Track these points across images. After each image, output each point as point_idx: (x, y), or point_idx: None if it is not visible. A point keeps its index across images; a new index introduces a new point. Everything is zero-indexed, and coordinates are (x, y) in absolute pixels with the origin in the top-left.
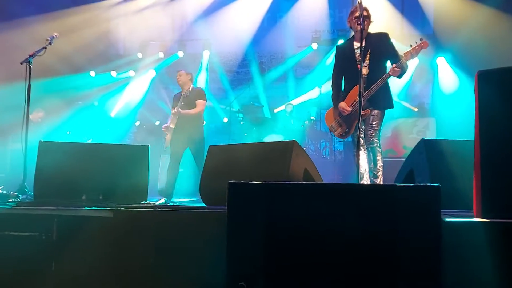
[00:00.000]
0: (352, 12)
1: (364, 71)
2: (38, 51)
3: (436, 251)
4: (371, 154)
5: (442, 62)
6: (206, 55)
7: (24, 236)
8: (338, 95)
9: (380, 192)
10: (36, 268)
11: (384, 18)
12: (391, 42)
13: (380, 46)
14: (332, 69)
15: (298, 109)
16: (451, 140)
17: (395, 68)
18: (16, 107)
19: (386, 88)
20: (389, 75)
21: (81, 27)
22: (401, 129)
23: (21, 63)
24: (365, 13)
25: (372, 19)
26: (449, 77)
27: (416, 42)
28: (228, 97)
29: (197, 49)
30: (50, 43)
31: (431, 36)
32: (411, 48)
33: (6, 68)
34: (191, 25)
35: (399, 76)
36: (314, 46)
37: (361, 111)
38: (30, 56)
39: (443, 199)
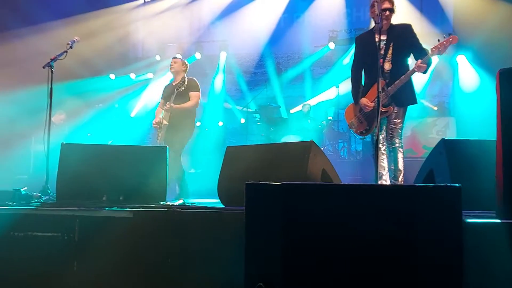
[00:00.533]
0: (373, 5)
1: (387, 66)
2: (60, 55)
3: (457, 253)
4: (392, 154)
5: (462, 60)
6: (223, 56)
7: (47, 236)
8: (358, 90)
9: (400, 192)
10: (59, 268)
11: (402, 16)
12: (415, 35)
13: (404, 39)
14: (352, 62)
15: (316, 109)
16: (472, 140)
17: (421, 64)
18: (38, 110)
19: (409, 83)
20: (414, 71)
21: (101, 31)
22: (421, 129)
23: (43, 67)
24: (389, 5)
25: (395, 9)
26: (469, 76)
27: (444, 37)
28: (245, 98)
29: (214, 51)
30: (71, 47)
31: (447, 34)
32: (438, 43)
33: (29, 72)
34: (208, 26)
35: (424, 72)
36: (331, 45)
37: (384, 109)
38: (52, 60)
39: (464, 200)
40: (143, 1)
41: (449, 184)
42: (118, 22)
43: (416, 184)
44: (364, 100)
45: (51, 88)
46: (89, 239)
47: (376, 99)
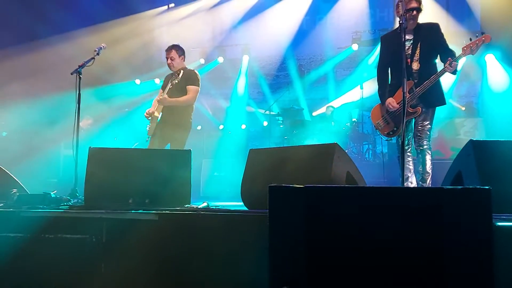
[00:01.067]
0: (398, 4)
1: (415, 66)
2: (87, 62)
3: (487, 258)
4: (420, 156)
5: (491, 60)
6: (245, 59)
7: (75, 238)
8: (384, 90)
9: (427, 195)
10: (87, 269)
11: (428, 15)
12: (443, 35)
13: (432, 38)
14: (377, 62)
15: (339, 111)
16: (501, 141)
17: (451, 64)
18: (67, 115)
19: (438, 84)
20: (445, 71)
21: (126, 37)
22: (448, 130)
23: (72, 74)
24: (416, 4)
25: (422, 7)
26: (499, 75)
27: (476, 36)
28: (267, 101)
29: (237, 54)
30: (98, 54)
31: (479, 33)
32: (471, 42)
33: (59, 78)
34: (231, 30)
35: (454, 72)
36: (355, 47)
37: (412, 110)
38: (79, 66)
39: (494, 203)
40: (166, 7)
41: (478, 186)
42: (143, 28)
43: (444, 187)
44: (390, 100)
45: (79, 94)
46: (116, 241)
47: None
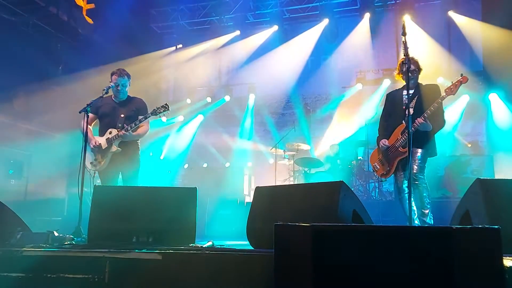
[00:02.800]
0: (401, 66)
1: (410, 111)
2: (95, 101)
3: None
4: (416, 191)
5: (495, 99)
6: (251, 98)
7: (78, 278)
8: (383, 136)
9: (435, 234)
10: None
11: (430, 56)
12: (439, 95)
13: (428, 96)
14: (381, 113)
15: (345, 149)
16: (509, 180)
17: (419, 122)
18: (75, 154)
19: (426, 133)
20: (419, 124)
21: (135, 77)
22: (455, 168)
23: (80, 112)
24: (413, 67)
25: (421, 68)
26: (503, 114)
27: (456, 79)
28: (273, 139)
29: (243, 93)
30: (106, 92)
31: (481, 72)
32: (451, 84)
33: (69, 117)
34: (237, 70)
35: (423, 128)
36: (359, 86)
37: (403, 149)
38: (88, 105)
39: (504, 243)
40: (174, 48)
41: (487, 226)
42: (152, 68)
43: (452, 226)
44: (383, 141)
45: (87, 132)
46: (119, 281)
47: (396, 141)
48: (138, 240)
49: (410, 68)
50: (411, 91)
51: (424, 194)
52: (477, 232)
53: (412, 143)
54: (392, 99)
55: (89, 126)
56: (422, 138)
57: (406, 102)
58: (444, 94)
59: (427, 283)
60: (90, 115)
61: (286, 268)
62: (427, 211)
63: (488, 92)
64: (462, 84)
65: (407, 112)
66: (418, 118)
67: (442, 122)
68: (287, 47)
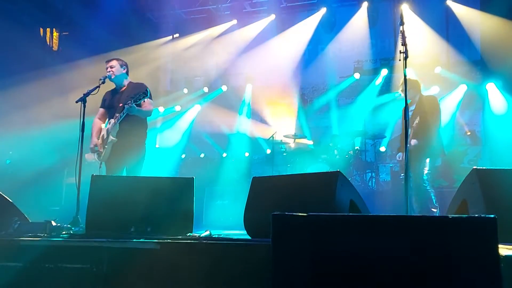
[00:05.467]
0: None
1: (410, 131)
2: (92, 90)
3: None
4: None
5: (492, 88)
6: (249, 88)
7: (76, 268)
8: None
9: (432, 224)
10: None
11: (428, 46)
12: (438, 108)
13: (428, 108)
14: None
15: (342, 140)
16: (506, 169)
17: (413, 142)
18: (72, 143)
19: (423, 141)
20: (413, 144)
21: (132, 66)
22: (452, 159)
23: (76, 102)
24: (411, 94)
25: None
26: (500, 104)
27: None
28: (271, 129)
29: (240, 83)
30: (103, 82)
31: (479, 62)
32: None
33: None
34: (234, 60)
35: (420, 142)
36: (357, 76)
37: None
38: (84, 95)
39: (501, 232)
40: (171, 37)
41: (483, 215)
42: (148, 57)
43: (449, 215)
44: (399, 154)
45: (83, 122)
46: (117, 271)
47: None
48: (136, 229)
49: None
50: (412, 107)
51: (431, 196)
52: (474, 221)
53: (419, 154)
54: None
55: (99, 121)
56: (425, 148)
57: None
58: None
59: (424, 271)
60: (101, 109)
61: (283, 257)
62: (435, 210)
63: (485, 82)
64: (460, 74)
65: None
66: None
67: (427, 131)
68: (285, 37)
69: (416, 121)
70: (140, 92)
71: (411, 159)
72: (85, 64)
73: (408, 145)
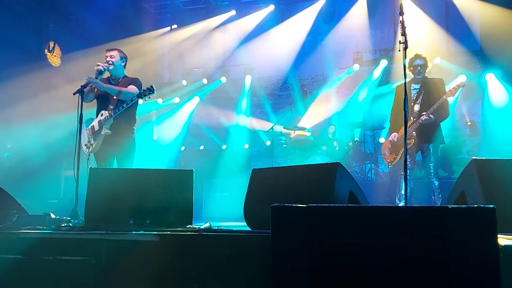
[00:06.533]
0: (411, 60)
1: (416, 107)
2: (86, 84)
3: (493, 278)
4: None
5: (491, 79)
6: (248, 80)
7: (75, 260)
8: (393, 129)
9: (431, 215)
10: None
11: (428, 36)
12: (445, 90)
13: (434, 91)
14: (391, 106)
15: (342, 131)
16: (504, 160)
17: (428, 116)
18: (70, 136)
19: (432, 126)
20: (423, 119)
21: (129, 58)
22: (451, 149)
23: (74, 94)
24: (421, 61)
25: (429, 65)
26: (500, 94)
27: (457, 85)
28: (270, 121)
29: (239, 74)
30: (100, 74)
31: (479, 52)
32: (452, 87)
33: (61, 99)
34: (233, 51)
35: (437, 121)
36: (356, 67)
37: (408, 141)
38: (82, 86)
39: (499, 222)
40: (169, 28)
41: (482, 206)
42: (146, 48)
43: (448, 206)
44: (393, 134)
45: (81, 114)
46: (116, 263)
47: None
48: (135, 222)
49: (415, 64)
50: (418, 86)
51: (435, 187)
52: (473, 212)
53: (421, 137)
54: (400, 92)
55: None
56: (429, 132)
57: (413, 97)
58: (445, 96)
59: (423, 262)
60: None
61: (283, 248)
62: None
63: (485, 72)
64: (459, 64)
65: (415, 108)
66: (423, 115)
67: (446, 114)
68: (284, 27)
69: (420, 99)
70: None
71: (419, 136)
72: (82, 56)
73: (420, 120)
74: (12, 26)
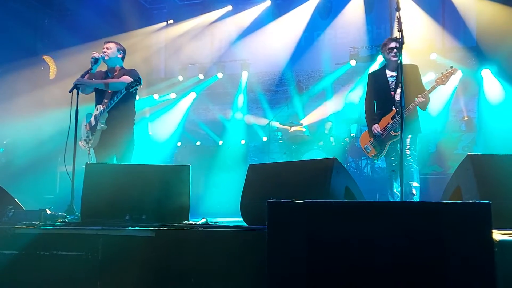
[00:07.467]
0: (386, 44)
1: (397, 97)
2: (84, 75)
3: (488, 274)
4: (406, 170)
5: (487, 75)
6: (244, 75)
7: (71, 255)
8: (371, 118)
9: (426, 210)
10: (83, 287)
11: (424, 32)
12: (420, 75)
13: (411, 77)
14: (365, 94)
15: (338, 127)
16: (500, 155)
17: (421, 99)
18: (66, 132)
19: (414, 115)
20: (416, 105)
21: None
22: (446, 145)
23: (70, 92)
24: (396, 45)
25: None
26: (495, 90)
27: (446, 70)
28: (267, 116)
29: (236, 70)
30: (95, 62)
31: (475, 48)
32: (442, 75)
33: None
34: (230, 46)
35: (424, 108)
36: (353, 62)
37: (394, 133)
38: (72, 87)
39: (494, 217)
40: (165, 24)
41: (477, 201)
42: (142, 44)
43: (443, 201)
44: (375, 126)
45: (77, 110)
46: (112, 259)
47: (387, 125)
48: (131, 217)
49: (390, 47)
50: (394, 73)
51: (413, 171)
52: (468, 207)
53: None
54: (375, 80)
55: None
56: (409, 123)
57: (392, 85)
58: (435, 84)
59: (419, 257)
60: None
61: (279, 244)
62: (414, 190)
63: (481, 68)
64: (455, 60)
65: (396, 97)
66: (419, 97)
67: (427, 101)
68: (280, 23)
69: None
70: (132, 80)
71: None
72: (77, 51)
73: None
74: (6, 21)
